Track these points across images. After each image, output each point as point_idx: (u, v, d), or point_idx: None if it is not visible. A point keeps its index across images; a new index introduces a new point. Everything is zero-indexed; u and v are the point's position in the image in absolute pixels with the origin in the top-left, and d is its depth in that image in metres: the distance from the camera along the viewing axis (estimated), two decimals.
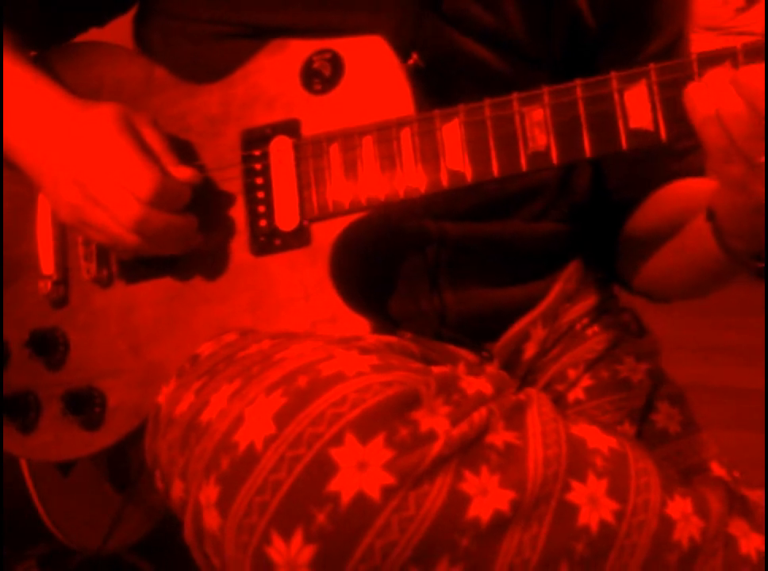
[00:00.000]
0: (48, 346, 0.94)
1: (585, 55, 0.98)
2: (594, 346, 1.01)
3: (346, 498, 0.62)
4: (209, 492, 0.66)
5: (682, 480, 0.74)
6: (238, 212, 0.88)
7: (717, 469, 0.90)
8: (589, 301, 1.04)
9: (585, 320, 1.02)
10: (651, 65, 0.74)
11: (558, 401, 0.98)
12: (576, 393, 0.98)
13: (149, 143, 0.86)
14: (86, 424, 0.92)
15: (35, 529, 1.07)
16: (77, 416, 0.91)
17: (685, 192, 0.98)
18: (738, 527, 0.72)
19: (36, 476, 1.05)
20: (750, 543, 0.71)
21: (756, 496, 0.80)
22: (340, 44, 0.86)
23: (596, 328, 1.02)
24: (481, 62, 0.93)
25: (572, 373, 0.99)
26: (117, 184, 0.83)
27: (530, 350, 0.99)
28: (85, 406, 0.91)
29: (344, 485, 0.62)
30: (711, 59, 0.72)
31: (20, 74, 0.92)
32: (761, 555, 0.71)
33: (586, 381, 0.99)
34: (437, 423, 0.66)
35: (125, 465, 1.07)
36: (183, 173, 0.86)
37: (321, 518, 0.62)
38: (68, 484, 1.07)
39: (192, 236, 0.87)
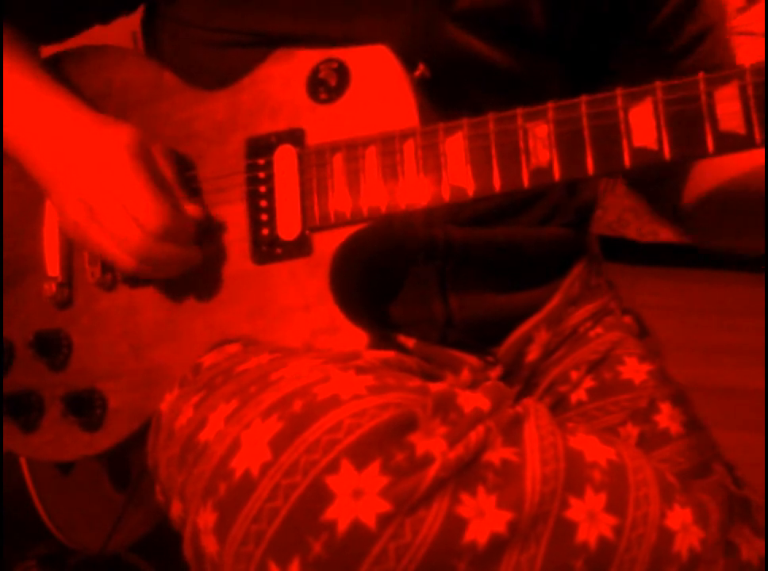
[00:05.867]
0: (52, 348, 0.94)
1: (600, 37, 0.97)
2: (597, 347, 1.00)
3: (342, 527, 0.62)
4: (207, 518, 0.67)
5: (682, 488, 0.73)
6: (240, 220, 0.88)
7: (719, 470, 0.90)
8: (592, 305, 1.04)
9: (589, 324, 1.03)
10: (658, 83, 0.73)
11: (561, 403, 0.98)
12: (579, 395, 0.98)
13: (163, 174, 0.86)
14: (86, 426, 0.92)
15: (35, 529, 1.08)
16: (77, 417, 0.92)
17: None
18: (739, 533, 0.72)
19: (36, 476, 1.05)
20: (751, 549, 0.71)
21: (757, 496, 0.80)
22: (347, 54, 0.85)
23: (598, 330, 1.02)
24: (491, 63, 0.92)
25: (574, 375, 0.99)
26: (124, 212, 0.83)
27: (533, 353, 0.99)
28: (85, 407, 0.92)
29: (340, 514, 0.62)
30: (718, 79, 0.71)
31: (32, 81, 0.92)
32: (762, 560, 0.71)
33: (589, 383, 0.98)
34: (434, 445, 0.65)
35: (126, 464, 1.08)
36: (195, 210, 0.87)
37: (317, 547, 0.62)
38: (68, 484, 1.08)
39: (193, 263, 0.88)
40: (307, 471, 0.64)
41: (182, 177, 0.89)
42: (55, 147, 0.88)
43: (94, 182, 0.84)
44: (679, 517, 0.69)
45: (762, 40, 0.90)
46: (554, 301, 1.01)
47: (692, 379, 1.05)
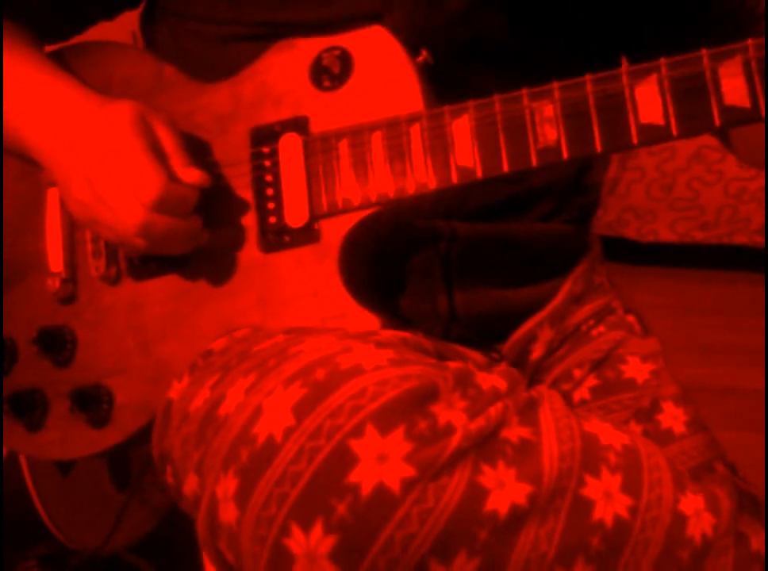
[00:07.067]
0: (56, 344, 0.94)
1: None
2: (600, 346, 1.00)
3: (366, 489, 0.62)
4: (227, 485, 0.66)
5: (693, 477, 0.74)
6: (247, 209, 0.88)
7: (723, 470, 0.90)
8: (595, 303, 1.04)
9: (591, 322, 1.03)
10: (662, 60, 0.74)
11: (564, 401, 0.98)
12: (581, 393, 0.98)
13: (162, 144, 0.86)
14: (93, 422, 0.92)
15: (35, 529, 1.07)
16: (84, 414, 0.91)
17: None
18: (748, 525, 0.72)
19: (36, 476, 1.05)
20: (760, 541, 0.72)
21: (761, 494, 0.80)
22: (350, 41, 0.86)
23: (601, 329, 1.03)
24: (493, 38, 0.91)
25: (577, 373, 0.99)
26: (123, 187, 0.83)
27: (537, 351, 1.00)
28: (92, 404, 0.91)
29: (364, 477, 0.62)
30: (722, 54, 0.72)
31: (35, 68, 0.93)
32: None
33: (592, 381, 0.98)
34: (455, 416, 0.66)
35: (126, 464, 1.07)
36: (191, 176, 0.86)
37: (341, 509, 0.62)
38: (68, 484, 1.08)
39: (198, 236, 0.88)
40: (331, 435, 0.64)
41: (202, 161, 0.89)
42: (59, 128, 0.89)
43: (96, 159, 0.84)
44: (692, 503, 0.69)
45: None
46: (558, 299, 1.01)
47: (692, 379, 1.04)
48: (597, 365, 0.99)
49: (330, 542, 0.62)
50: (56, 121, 0.89)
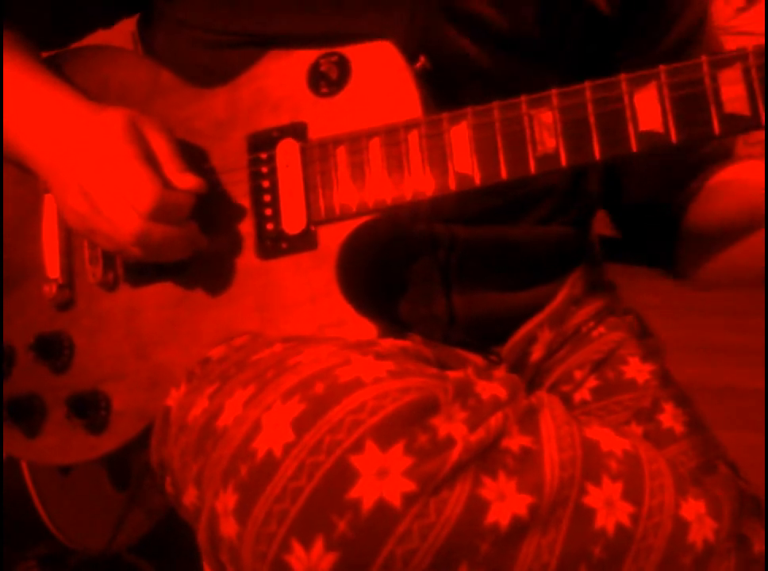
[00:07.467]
0: (53, 350, 0.93)
1: (601, 51, 0.97)
2: (600, 347, 1.01)
3: (367, 505, 0.62)
4: (227, 500, 0.66)
5: (694, 481, 0.74)
6: (244, 216, 0.88)
7: (724, 469, 0.90)
8: (595, 305, 1.04)
9: (592, 323, 1.03)
10: (661, 67, 0.74)
11: (565, 402, 0.97)
12: (582, 394, 0.98)
13: (155, 150, 0.85)
14: (90, 428, 0.91)
15: (35, 529, 1.07)
16: (82, 420, 0.91)
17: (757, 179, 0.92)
18: (750, 527, 0.72)
19: (36, 476, 1.05)
20: (761, 542, 0.72)
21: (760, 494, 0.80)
22: (348, 47, 0.85)
23: (601, 329, 1.03)
24: (486, 68, 0.92)
25: (578, 374, 0.99)
26: (119, 196, 0.82)
27: (537, 353, 0.99)
28: (90, 410, 0.91)
29: (365, 492, 0.62)
30: (722, 61, 0.72)
31: (32, 77, 0.93)
32: None
33: (592, 382, 0.99)
34: (455, 428, 0.66)
35: (126, 465, 1.08)
36: (187, 182, 0.85)
37: (342, 525, 0.62)
38: (68, 484, 1.08)
39: (195, 242, 0.87)
40: (331, 450, 0.64)
41: (199, 168, 0.89)
42: (54, 138, 0.88)
43: (90, 169, 0.84)
44: (693, 508, 0.69)
45: (761, 40, 0.90)
46: (557, 300, 1.01)
47: (692, 379, 1.05)
48: (597, 366, 1.00)
49: (331, 558, 0.62)
50: (50, 131, 0.89)
